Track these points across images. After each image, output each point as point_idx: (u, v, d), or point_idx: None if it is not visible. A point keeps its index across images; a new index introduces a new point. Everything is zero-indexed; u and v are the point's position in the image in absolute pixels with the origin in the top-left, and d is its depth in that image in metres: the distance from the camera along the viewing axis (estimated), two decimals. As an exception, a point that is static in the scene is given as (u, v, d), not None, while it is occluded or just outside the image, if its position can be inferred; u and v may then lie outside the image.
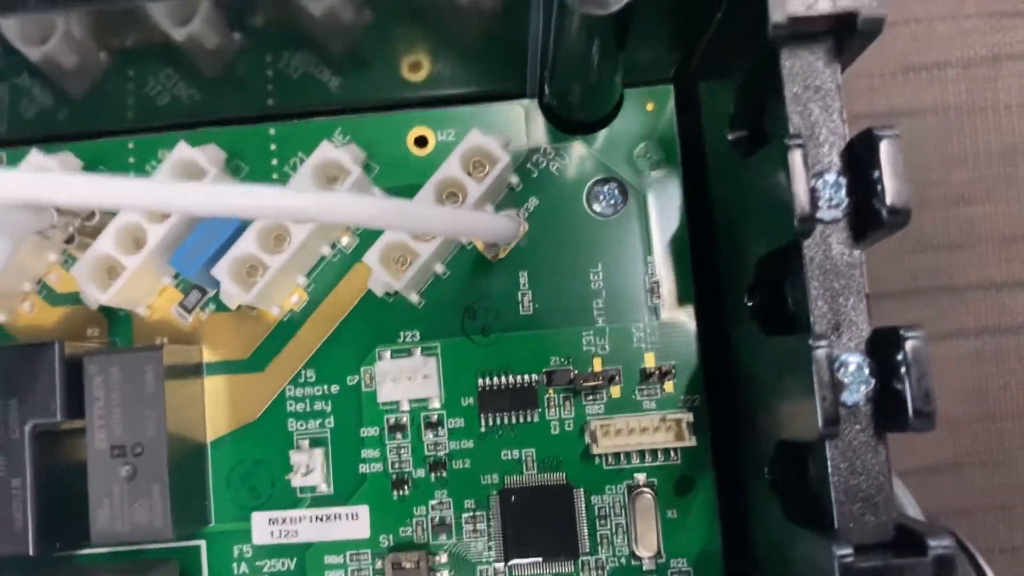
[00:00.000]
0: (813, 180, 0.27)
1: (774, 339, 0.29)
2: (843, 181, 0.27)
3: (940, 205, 0.45)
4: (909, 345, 0.25)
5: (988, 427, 0.43)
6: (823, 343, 0.25)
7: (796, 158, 0.26)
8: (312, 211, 0.26)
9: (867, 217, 0.27)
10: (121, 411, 0.32)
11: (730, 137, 0.32)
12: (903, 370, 0.25)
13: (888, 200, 0.26)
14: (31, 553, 0.31)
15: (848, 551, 0.25)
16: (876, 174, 0.26)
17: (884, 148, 0.26)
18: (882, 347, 0.26)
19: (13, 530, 0.31)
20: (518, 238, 0.34)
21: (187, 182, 0.31)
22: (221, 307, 0.36)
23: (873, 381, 0.26)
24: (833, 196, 0.27)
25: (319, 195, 0.30)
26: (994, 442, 0.43)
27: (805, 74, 0.28)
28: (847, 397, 0.26)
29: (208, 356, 0.36)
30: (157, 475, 0.32)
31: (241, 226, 0.33)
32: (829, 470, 0.26)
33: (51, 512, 0.32)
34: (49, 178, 0.25)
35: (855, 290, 0.27)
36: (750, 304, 0.31)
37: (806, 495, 0.28)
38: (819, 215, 0.27)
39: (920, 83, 0.46)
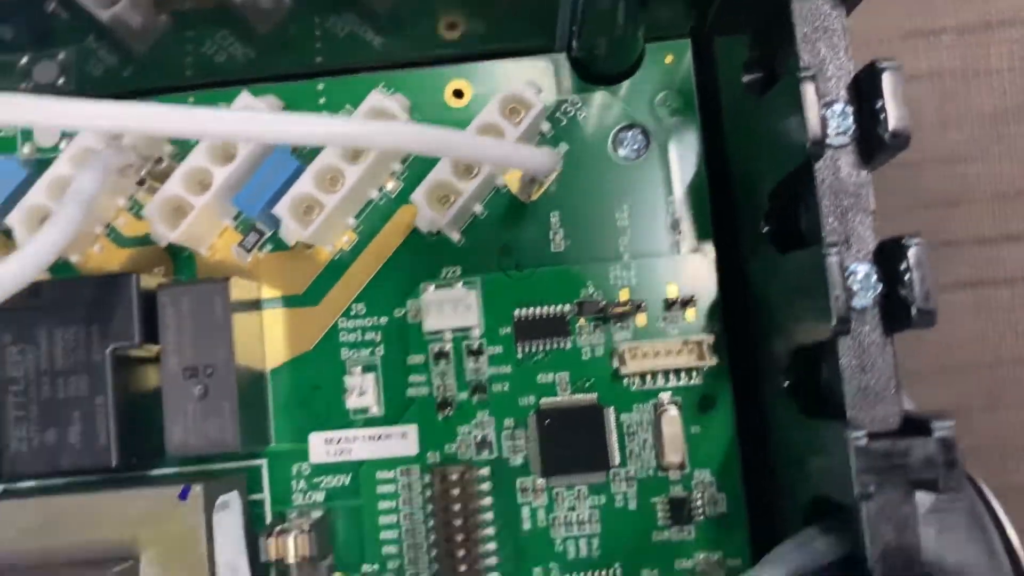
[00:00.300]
0: (823, 110, 0.30)
1: (789, 256, 0.32)
2: (850, 110, 0.30)
3: (936, 164, 0.48)
4: (911, 252, 0.28)
5: (989, 374, 0.46)
6: (835, 250, 0.28)
7: (808, 88, 0.29)
8: (379, 138, 0.29)
9: (872, 142, 0.30)
10: (192, 337, 0.35)
11: (745, 80, 0.35)
12: (907, 275, 0.28)
13: (891, 125, 0.29)
14: (113, 465, 0.34)
15: (861, 434, 0.28)
16: (879, 103, 0.29)
17: (886, 78, 0.29)
18: (887, 257, 0.29)
19: (98, 445, 0.34)
20: (556, 171, 0.36)
21: (265, 112, 0.33)
22: (278, 247, 0.39)
23: (880, 286, 0.29)
24: (840, 124, 0.30)
25: (386, 124, 0.33)
26: (995, 388, 0.46)
27: (814, 17, 0.30)
28: (857, 302, 0.29)
29: (266, 292, 0.39)
30: (227, 393, 0.35)
31: (299, 168, 0.36)
32: (842, 367, 0.29)
33: (128, 429, 0.35)
34: (143, 108, 0.28)
35: (862, 208, 0.30)
36: (765, 230, 0.34)
37: (820, 395, 0.31)
38: (828, 141, 0.30)
39: (917, 49, 0.49)
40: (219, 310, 0.35)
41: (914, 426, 0.29)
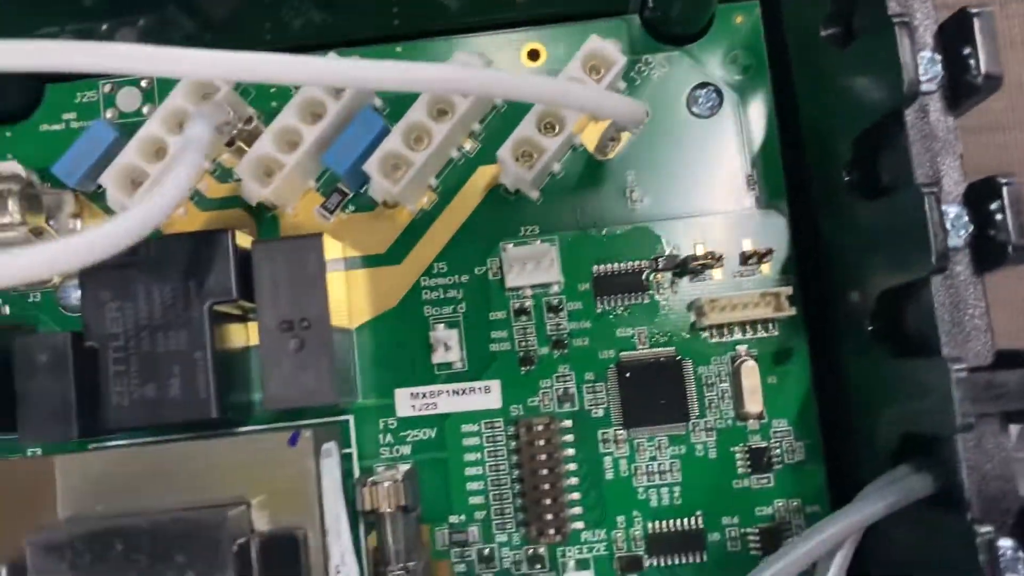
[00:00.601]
0: (914, 57, 0.31)
1: (874, 203, 0.33)
2: (938, 58, 0.31)
3: (979, 133, 0.49)
4: (1006, 190, 0.29)
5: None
6: (932, 190, 0.29)
7: (902, 33, 0.30)
8: (478, 84, 0.30)
9: (959, 89, 0.31)
10: (287, 291, 0.36)
11: (824, 34, 0.36)
12: (998, 215, 0.29)
13: (983, 68, 0.30)
14: (213, 415, 0.35)
15: (961, 367, 0.28)
16: (968, 49, 0.30)
17: (979, 23, 0.30)
18: (977, 198, 0.30)
19: (199, 397, 0.35)
20: (645, 122, 0.37)
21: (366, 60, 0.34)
22: (359, 208, 0.40)
23: (972, 227, 0.30)
24: (928, 70, 0.31)
25: (486, 71, 0.34)
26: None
27: (900, -32, 0.31)
28: (951, 241, 0.30)
29: (349, 252, 0.40)
30: (323, 346, 0.35)
31: (384, 127, 0.37)
32: (937, 304, 0.30)
33: (224, 383, 0.36)
34: (254, 56, 0.29)
35: (951, 151, 0.31)
36: (848, 179, 0.35)
37: (910, 335, 0.32)
38: (920, 87, 0.31)
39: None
40: (313, 265, 0.36)
41: (1006, 360, 0.30)
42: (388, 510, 0.36)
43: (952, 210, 0.30)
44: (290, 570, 0.31)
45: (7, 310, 0.40)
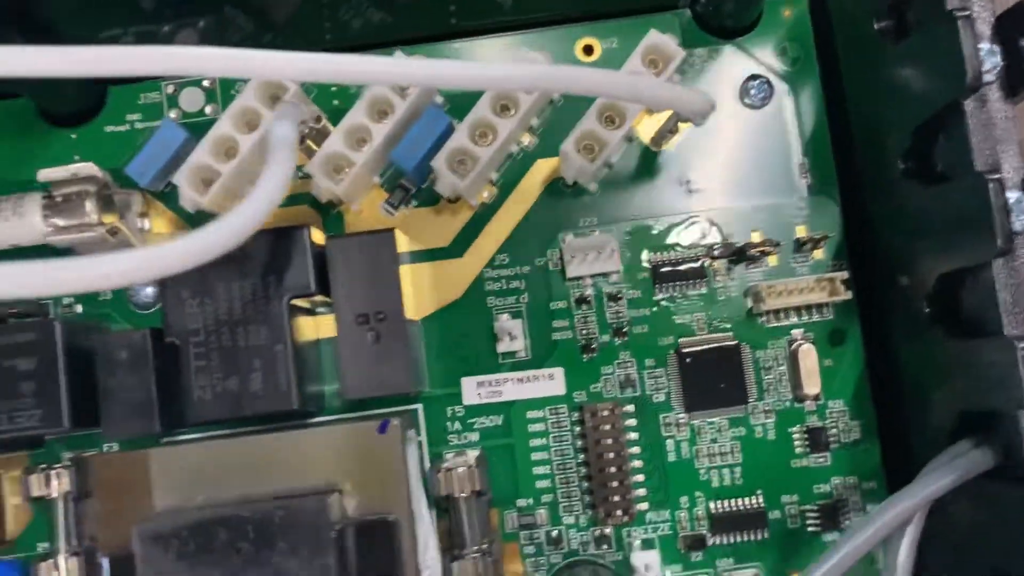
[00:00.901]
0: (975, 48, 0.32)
1: (933, 190, 0.35)
2: (996, 49, 0.32)
3: None
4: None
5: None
6: (995, 176, 0.31)
7: (965, 27, 0.32)
8: (553, 80, 0.31)
9: (1016, 78, 0.32)
10: (362, 285, 0.37)
11: (877, 27, 0.38)
12: (1060, 198, 0.31)
13: (1044, 56, 0.31)
14: (294, 407, 0.36)
15: (1024, 345, 0.30)
16: (1025, 41, 0.32)
17: (1037, 15, 0.31)
18: (1038, 185, 0.32)
19: (280, 389, 0.36)
20: (710, 114, 0.39)
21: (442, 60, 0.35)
22: (422, 203, 0.41)
23: (1031, 211, 0.32)
24: (987, 61, 0.32)
25: (562, 67, 0.35)
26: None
27: (957, -39, 0.33)
28: (1014, 225, 0.32)
29: (413, 246, 0.41)
30: (399, 337, 0.37)
31: (450, 124, 0.39)
32: (999, 285, 0.32)
33: (301, 375, 0.37)
34: (329, 57, 0.31)
35: (1010, 139, 0.33)
36: (903, 167, 0.37)
37: (969, 316, 0.34)
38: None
39: None
40: (387, 259, 0.37)
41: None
42: (463, 495, 0.38)
43: (1013, 195, 0.32)
44: (385, 555, 0.33)
45: (79, 309, 0.41)
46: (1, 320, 0.39)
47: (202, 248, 0.28)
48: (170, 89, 0.42)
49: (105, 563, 0.33)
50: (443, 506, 0.38)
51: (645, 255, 0.41)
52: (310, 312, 0.40)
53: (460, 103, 0.40)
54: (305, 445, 0.34)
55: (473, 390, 0.40)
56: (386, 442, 0.34)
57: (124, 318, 0.41)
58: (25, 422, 0.36)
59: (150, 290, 0.41)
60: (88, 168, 0.38)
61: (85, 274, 0.26)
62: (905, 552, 0.32)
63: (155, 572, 0.31)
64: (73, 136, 0.42)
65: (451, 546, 0.38)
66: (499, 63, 0.35)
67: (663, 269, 0.41)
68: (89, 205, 0.38)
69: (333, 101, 0.42)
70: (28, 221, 0.38)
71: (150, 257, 0.27)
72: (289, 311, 0.37)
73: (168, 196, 0.41)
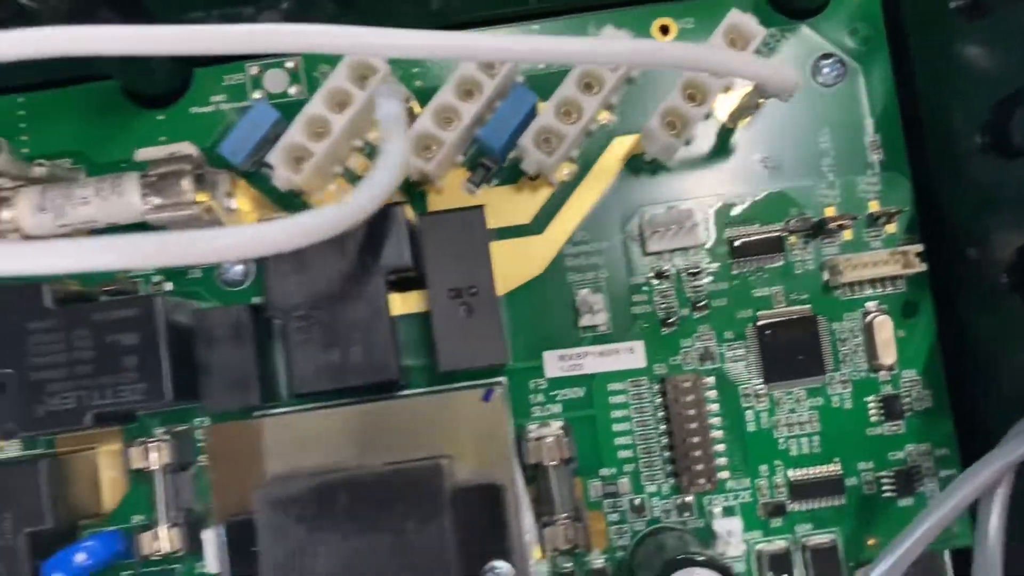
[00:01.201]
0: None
1: (1012, 162, 0.37)
2: (1079, 25, 0.34)
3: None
4: None
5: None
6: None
7: (1052, 4, 0.33)
8: (649, 55, 0.33)
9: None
10: (454, 261, 0.39)
11: (952, 6, 0.39)
12: None
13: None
14: (395, 378, 0.38)
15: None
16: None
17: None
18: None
19: (380, 361, 0.38)
20: (796, 91, 0.40)
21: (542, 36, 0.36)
22: (503, 182, 0.43)
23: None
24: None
25: (654, 41, 0.37)
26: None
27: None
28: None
29: (494, 223, 0.43)
30: (491, 311, 0.39)
31: (535, 103, 0.40)
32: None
33: (398, 347, 0.39)
34: (447, 35, 0.32)
35: (1092, 113, 0.35)
36: (981, 141, 0.39)
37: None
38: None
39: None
40: (477, 234, 0.39)
41: None
42: (552, 463, 0.40)
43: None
44: (493, 518, 0.34)
45: (170, 286, 0.42)
46: (92, 298, 0.41)
47: (336, 221, 0.29)
48: (254, 70, 0.43)
49: (222, 529, 0.34)
50: (531, 475, 0.40)
51: (723, 230, 0.42)
52: (399, 286, 0.42)
53: (537, 84, 0.42)
54: (412, 413, 0.36)
55: (555, 363, 0.42)
56: (491, 410, 0.36)
57: (213, 295, 0.43)
58: (129, 396, 0.38)
59: (239, 268, 0.43)
60: (185, 147, 0.40)
61: (238, 241, 0.28)
62: (996, 515, 0.34)
63: (276, 535, 0.33)
64: (159, 117, 0.43)
65: (540, 513, 0.40)
66: (598, 38, 0.36)
67: (741, 244, 0.42)
68: (185, 183, 0.39)
69: (415, 82, 0.43)
70: (127, 200, 0.39)
71: (290, 227, 0.28)
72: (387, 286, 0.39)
73: (253, 176, 0.43)
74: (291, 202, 0.42)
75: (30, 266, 0.24)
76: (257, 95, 0.43)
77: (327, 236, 0.30)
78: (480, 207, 0.39)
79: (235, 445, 0.36)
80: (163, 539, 0.39)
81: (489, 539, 0.34)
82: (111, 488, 0.42)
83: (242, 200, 0.43)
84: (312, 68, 0.43)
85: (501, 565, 0.34)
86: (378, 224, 0.39)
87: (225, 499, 0.35)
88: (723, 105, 0.43)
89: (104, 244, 0.25)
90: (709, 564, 0.35)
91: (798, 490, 0.42)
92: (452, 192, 0.43)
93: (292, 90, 0.43)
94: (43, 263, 0.24)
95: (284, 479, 0.34)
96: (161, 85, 0.43)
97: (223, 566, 0.37)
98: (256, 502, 0.33)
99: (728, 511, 0.42)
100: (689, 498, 0.42)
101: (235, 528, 0.34)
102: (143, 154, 0.39)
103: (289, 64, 0.44)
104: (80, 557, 0.38)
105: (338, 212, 0.29)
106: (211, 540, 0.39)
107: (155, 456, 0.40)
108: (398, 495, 0.33)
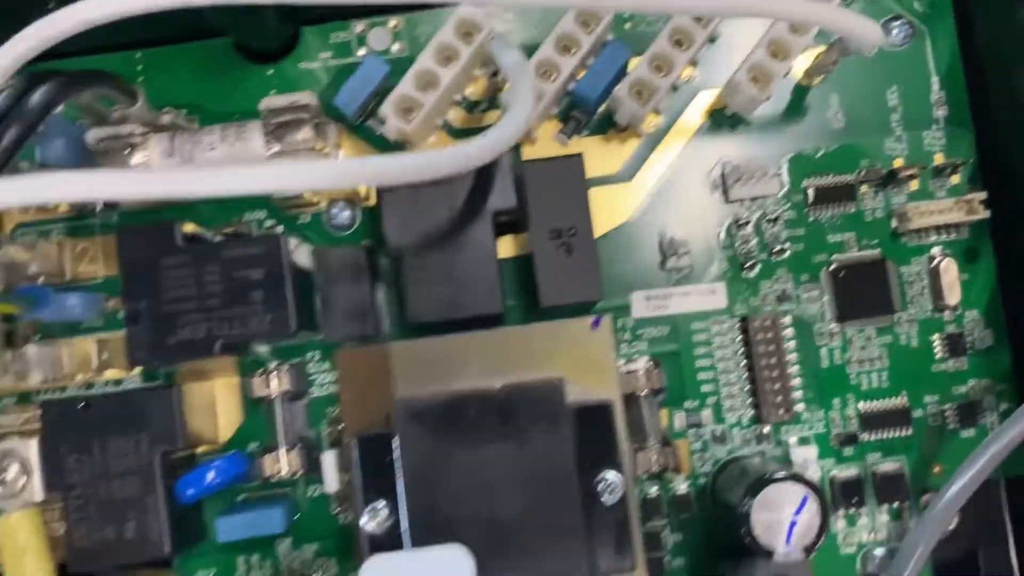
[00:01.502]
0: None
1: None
2: None
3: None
4: None
5: None
6: None
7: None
8: (735, 6, 0.36)
9: None
10: (555, 204, 0.42)
11: (1019, -29, 0.43)
12: None
13: None
14: (501, 311, 0.42)
15: None
16: None
17: None
18: None
19: (488, 294, 0.42)
20: (878, 45, 0.44)
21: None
22: (593, 132, 0.47)
23: None
24: None
25: None
26: None
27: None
28: None
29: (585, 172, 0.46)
30: (589, 251, 0.42)
31: (628, 57, 0.44)
32: None
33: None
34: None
35: None
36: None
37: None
38: None
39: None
40: (576, 179, 0.43)
41: None
42: (644, 393, 0.44)
43: None
44: (605, 433, 0.38)
45: (280, 230, 0.46)
46: (195, 239, 0.44)
47: (480, 153, 0.33)
48: (359, 28, 0.47)
49: (354, 443, 0.38)
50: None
51: (799, 180, 0.46)
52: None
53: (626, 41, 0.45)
54: (526, 340, 0.40)
55: (642, 303, 0.46)
56: (599, 336, 0.40)
57: (321, 239, 0.46)
58: (256, 327, 0.42)
59: (347, 213, 0.46)
60: (305, 97, 0.43)
61: (378, 170, 0.32)
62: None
63: (412, 442, 0.36)
64: (269, 72, 0.47)
65: (631, 441, 0.44)
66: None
67: (816, 192, 0.46)
68: (306, 131, 0.43)
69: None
70: (250, 146, 0.43)
71: (455, 153, 0.32)
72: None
73: (359, 128, 0.46)
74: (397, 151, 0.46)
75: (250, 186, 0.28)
76: (362, 52, 0.47)
77: (475, 166, 0.33)
78: (579, 155, 0.43)
79: (364, 369, 0.40)
80: (284, 461, 0.43)
81: (600, 453, 0.38)
82: (226, 417, 0.45)
83: (349, 151, 0.47)
84: (414, 28, 0.47)
85: (612, 475, 0.38)
86: (485, 168, 0.42)
87: (354, 418, 0.39)
88: (801, 64, 0.46)
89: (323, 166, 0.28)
90: (800, 479, 0.39)
91: (868, 421, 0.45)
92: (545, 143, 0.46)
93: (395, 47, 0.47)
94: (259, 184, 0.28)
95: (418, 395, 0.38)
96: (272, 41, 0.47)
97: (343, 483, 0.41)
98: (396, 410, 0.37)
99: (804, 440, 0.46)
100: (767, 428, 0.46)
101: (366, 443, 0.38)
102: (267, 103, 0.43)
103: (392, 23, 0.47)
104: (210, 475, 0.42)
105: (485, 142, 0.33)
106: (330, 462, 0.43)
107: (275, 384, 0.44)
108: (522, 409, 0.37)
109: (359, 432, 0.39)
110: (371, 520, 0.38)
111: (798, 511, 0.39)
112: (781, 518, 0.39)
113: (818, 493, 0.39)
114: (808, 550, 0.39)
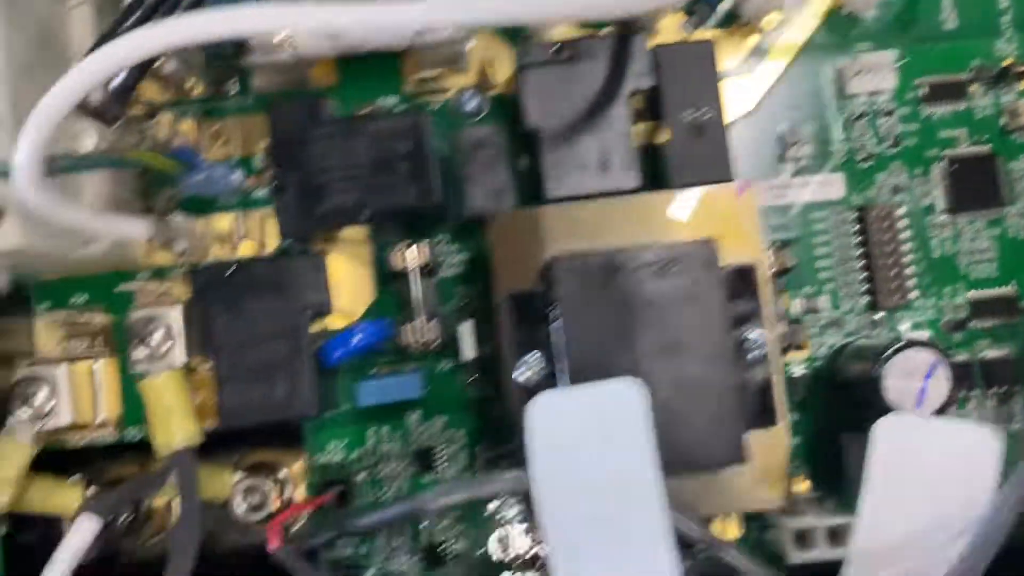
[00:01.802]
0: None
1: None
2: None
3: None
4: None
5: None
6: None
7: None
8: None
9: None
10: (687, 87, 0.45)
11: None
12: None
13: None
14: (637, 185, 0.44)
15: None
16: None
17: None
18: None
19: (626, 168, 0.44)
20: None
21: None
22: (716, 25, 0.49)
23: None
24: None
25: None
26: None
27: None
28: None
29: (707, 65, 0.48)
30: (719, 131, 0.44)
31: (758, -48, 0.46)
32: None
33: (633, 166, 0.45)
34: None
35: None
36: None
37: None
38: None
39: None
40: (707, 63, 0.45)
41: None
42: (770, 274, 0.46)
43: None
44: (750, 294, 0.41)
45: (413, 115, 0.48)
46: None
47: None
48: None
49: (506, 298, 0.40)
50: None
51: (916, 76, 0.49)
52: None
53: (757, -63, 0.48)
54: (675, 204, 0.42)
55: (762, 193, 0.48)
56: (744, 201, 0.42)
57: (449, 126, 0.48)
58: (402, 197, 0.44)
59: (475, 101, 0.48)
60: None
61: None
62: None
63: (567, 294, 0.39)
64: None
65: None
66: None
67: (931, 88, 0.48)
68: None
69: (637, -65, 0.49)
70: (395, 25, 0.45)
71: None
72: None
73: None
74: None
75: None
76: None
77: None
78: (709, 41, 0.45)
79: (514, 232, 0.42)
80: (424, 328, 0.45)
81: (746, 313, 0.40)
82: (358, 290, 0.47)
83: (473, 42, 0.49)
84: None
85: (757, 334, 0.40)
86: (622, 51, 0.44)
87: (505, 277, 0.41)
88: (915, -33, 0.49)
89: None
90: (930, 345, 0.41)
91: (977, 308, 0.48)
92: (668, 33, 0.49)
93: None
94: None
95: (576, 251, 0.40)
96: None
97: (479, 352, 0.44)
98: (555, 265, 0.39)
99: (916, 326, 0.48)
100: (880, 315, 0.48)
101: (517, 299, 0.40)
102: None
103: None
104: (356, 338, 0.44)
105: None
106: (467, 330, 0.45)
107: (412, 257, 0.46)
108: (675, 268, 0.39)
109: (512, 290, 0.41)
110: (525, 371, 0.40)
111: (928, 376, 0.41)
112: (912, 384, 0.41)
113: (947, 359, 0.41)
114: (937, 415, 0.41)
